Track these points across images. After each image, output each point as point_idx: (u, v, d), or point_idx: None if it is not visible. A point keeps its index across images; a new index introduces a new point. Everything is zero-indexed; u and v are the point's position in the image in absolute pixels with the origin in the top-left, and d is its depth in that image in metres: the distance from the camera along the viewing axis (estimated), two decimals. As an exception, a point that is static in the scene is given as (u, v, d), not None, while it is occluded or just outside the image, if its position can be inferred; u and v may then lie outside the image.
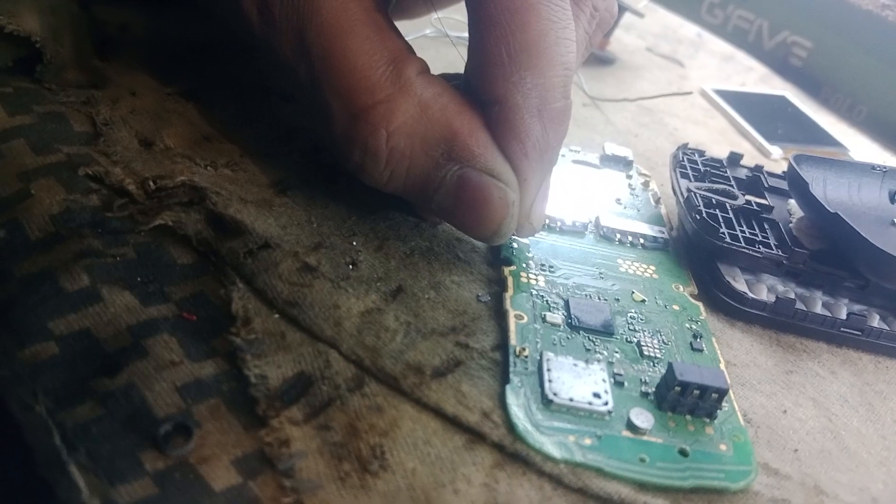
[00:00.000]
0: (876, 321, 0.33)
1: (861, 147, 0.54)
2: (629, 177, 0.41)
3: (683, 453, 0.25)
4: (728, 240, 0.33)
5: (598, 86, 0.54)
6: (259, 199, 0.31)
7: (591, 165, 0.41)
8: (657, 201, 0.39)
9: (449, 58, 0.52)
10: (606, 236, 0.35)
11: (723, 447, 0.25)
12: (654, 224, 0.37)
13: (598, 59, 0.57)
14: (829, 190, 0.37)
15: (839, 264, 0.33)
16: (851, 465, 0.27)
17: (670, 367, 0.26)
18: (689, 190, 0.36)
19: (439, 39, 0.54)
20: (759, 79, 0.61)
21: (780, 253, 0.33)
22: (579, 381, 0.26)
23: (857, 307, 0.34)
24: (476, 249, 0.33)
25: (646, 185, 0.40)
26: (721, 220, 0.34)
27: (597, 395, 0.26)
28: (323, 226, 0.32)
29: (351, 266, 0.30)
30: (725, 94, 0.57)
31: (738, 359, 0.31)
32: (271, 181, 0.33)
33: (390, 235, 0.32)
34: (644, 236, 0.35)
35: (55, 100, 0.34)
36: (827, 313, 0.33)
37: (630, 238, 0.35)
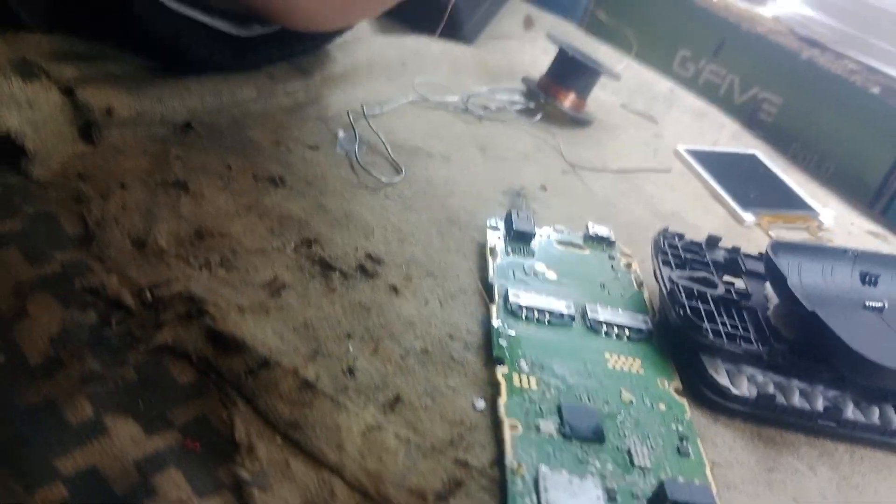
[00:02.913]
0: (850, 410, 0.35)
1: (830, 208, 0.56)
2: (611, 258, 0.42)
3: (676, 574, 0.26)
4: (711, 337, 0.34)
5: (576, 150, 0.55)
6: (255, 304, 0.32)
7: (576, 246, 0.42)
8: (640, 285, 0.40)
9: (429, 119, 0.52)
10: (593, 328, 0.36)
11: (713, 564, 0.27)
12: (637, 311, 0.38)
13: (575, 120, 0.58)
14: (804, 276, 0.39)
15: (815, 356, 0.35)
16: (832, 571, 0.29)
17: (662, 485, 0.27)
18: (671, 281, 0.37)
19: (419, 104, 0.54)
20: (730, 136, 0.63)
21: (760, 347, 0.35)
22: (574, 500, 0.27)
23: (832, 393, 0.35)
24: (468, 347, 0.34)
25: (628, 266, 0.42)
26: (703, 313, 0.35)
27: (593, 516, 0.26)
28: (319, 329, 0.32)
29: (348, 374, 0.30)
30: (699, 155, 0.58)
31: (722, 457, 0.32)
32: (265, 281, 0.34)
33: (384, 335, 0.33)
34: (629, 328, 0.36)
35: (44, 196, 0.34)
36: (805, 405, 0.34)
37: (616, 330, 0.36)
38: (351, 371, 0.31)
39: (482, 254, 0.40)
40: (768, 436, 0.34)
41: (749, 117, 0.66)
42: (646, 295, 0.40)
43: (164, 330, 0.29)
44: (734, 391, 0.34)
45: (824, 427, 0.34)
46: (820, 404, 0.35)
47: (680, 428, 0.32)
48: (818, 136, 0.62)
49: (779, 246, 0.39)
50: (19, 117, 0.35)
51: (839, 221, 0.55)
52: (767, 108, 0.65)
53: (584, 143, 0.57)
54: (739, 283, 0.40)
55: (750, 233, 0.51)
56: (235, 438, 0.27)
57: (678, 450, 0.31)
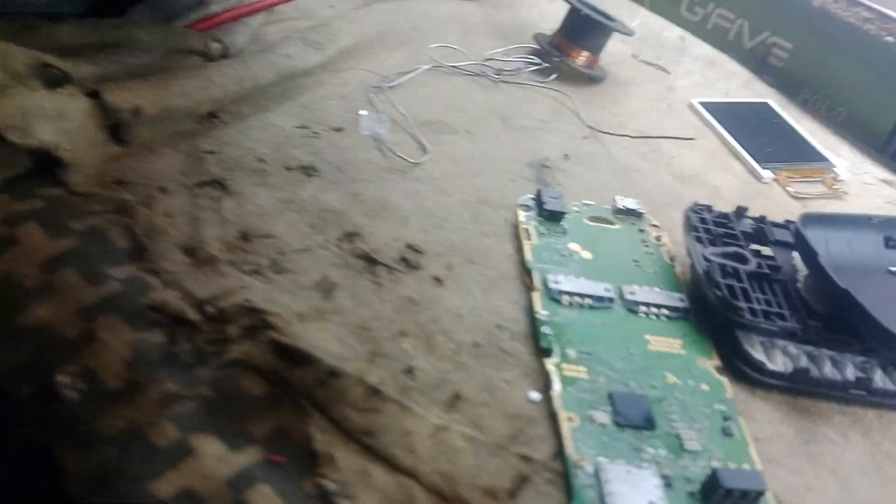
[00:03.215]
0: (878, 377, 0.37)
1: (843, 157, 0.56)
2: (641, 231, 0.43)
3: (732, 553, 0.28)
4: (749, 316, 0.35)
5: (592, 110, 0.55)
6: (311, 310, 0.33)
7: (606, 221, 0.43)
8: (672, 259, 0.41)
9: (447, 88, 0.52)
10: (632, 309, 0.37)
11: (764, 542, 0.29)
12: (672, 288, 0.39)
13: (590, 77, 0.58)
14: (832, 246, 0.40)
15: (846, 330, 0.36)
16: (870, 537, 0.31)
17: (715, 473, 0.29)
18: (706, 259, 0.38)
19: (436, 72, 0.54)
20: (742, 84, 0.63)
21: (795, 323, 0.36)
22: (635, 490, 0.29)
23: (860, 360, 0.37)
24: (515, 337, 0.35)
25: (658, 239, 0.43)
26: (738, 291, 0.37)
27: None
28: (374, 330, 0.33)
29: (408, 374, 0.32)
30: (713, 108, 0.58)
31: (762, 432, 0.34)
32: (316, 281, 0.35)
33: (435, 330, 0.34)
34: (667, 307, 0.38)
35: (90, 211, 0.34)
36: (837, 376, 0.36)
37: (654, 310, 0.37)
38: (410, 371, 0.32)
39: (516, 235, 0.41)
40: (803, 406, 0.36)
41: (759, 63, 0.65)
42: (678, 269, 0.41)
43: (232, 346, 0.30)
44: (770, 366, 0.36)
45: (855, 396, 0.36)
46: (850, 373, 0.36)
47: (723, 408, 0.34)
48: (829, 83, 0.62)
49: (808, 219, 0.40)
50: (52, 129, 0.35)
51: (853, 171, 0.55)
52: (777, 54, 0.64)
53: (599, 102, 0.56)
54: (767, 251, 0.41)
55: (770, 190, 0.52)
56: (315, 449, 0.28)
57: (723, 430, 0.33)
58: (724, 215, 0.42)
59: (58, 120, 0.35)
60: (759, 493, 0.29)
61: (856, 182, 0.55)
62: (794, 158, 0.55)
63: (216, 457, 0.27)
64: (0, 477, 0.28)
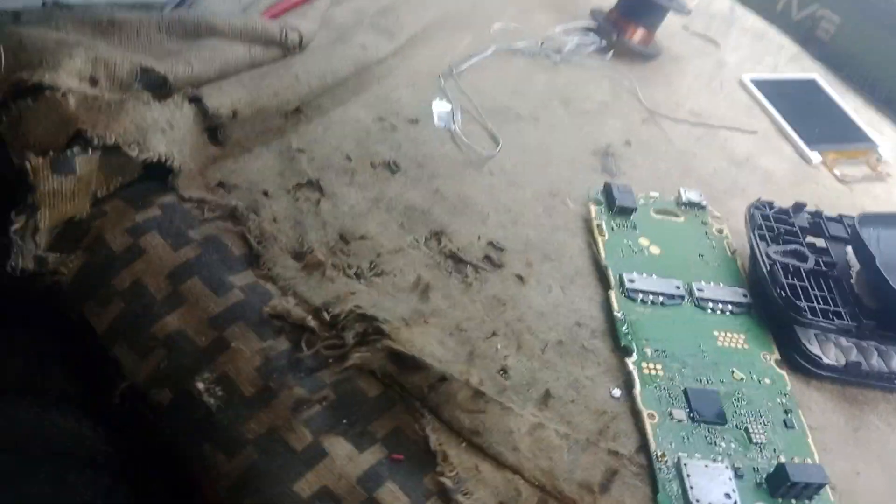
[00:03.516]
0: (920, 366, 0.40)
1: (886, 136, 0.58)
2: (704, 223, 0.45)
3: (797, 539, 0.32)
4: (809, 315, 0.38)
5: (649, 90, 0.56)
6: (414, 313, 0.36)
7: (672, 214, 0.45)
8: (733, 252, 0.44)
9: (510, 71, 0.54)
10: (700, 306, 0.40)
11: (823, 527, 0.33)
12: (735, 283, 0.42)
13: (645, 55, 0.59)
14: (883, 246, 0.43)
15: (892, 327, 0.39)
16: (913, 520, 0.35)
17: (782, 467, 0.33)
18: (769, 258, 0.41)
19: (499, 54, 0.55)
20: (789, 58, 0.64)
21: (850, 322, 0.39)
22: (712, 483, 0.32)
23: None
24: (595, 335, 0.38)
25: (720, 231, 0.45)
26: (799, 290, 0.39)
27: (727, 496, 0.32)
28: (469, 331, 0.36)
29: (503, 374, 0.35)
30: (762, 85, 0.60)
31: (817, 421, 0.37)
32: (412, 283, 0.38)
33: (522, 329, 0.37)
34: (731, 303, 0.41)
35: (203, 218, 0.37)
36: (883, 367, 0.39)
37: (720, 306, 0.41)
38: (504, 371, 0.35)
39: (588, 229, 0.44)
40: (851, 395, 0.39)
41: (806, 35, 0.66)
42: (739, 263, 0.43)
43: (351, 353, 0.33)
44: (825, 360, 0.39)
45: (898, 386, 0.40)
46: (893, 367, 0.40)
47: (784, 401, 0.37)
48: (874, 59, 0.63)
49: (864, 219, 0.42)
50: (165, 140, 0.37)
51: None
52: (825, 27, 0.65)
53: (655, 81, 0.58)
54: (821, 242, 0.44)
55: (817, 174, 0.54)
56: (431, 448, 0.31)
57: (785, 423, 0.36)
58: (784, 211, 0.44)
59: (169, 131, 0.37)
60: (821, 486, 0.33)
61: (898, 161, 0.57)
62: (840, 139, 0.57)
63: (346, 457, 0.31)
64: (144, 478, 0.32)
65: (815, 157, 0.55)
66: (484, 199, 0.43)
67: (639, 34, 0.59)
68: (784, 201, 0.47)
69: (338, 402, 0.32)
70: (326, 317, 0.34)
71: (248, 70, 0.45)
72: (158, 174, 0.38)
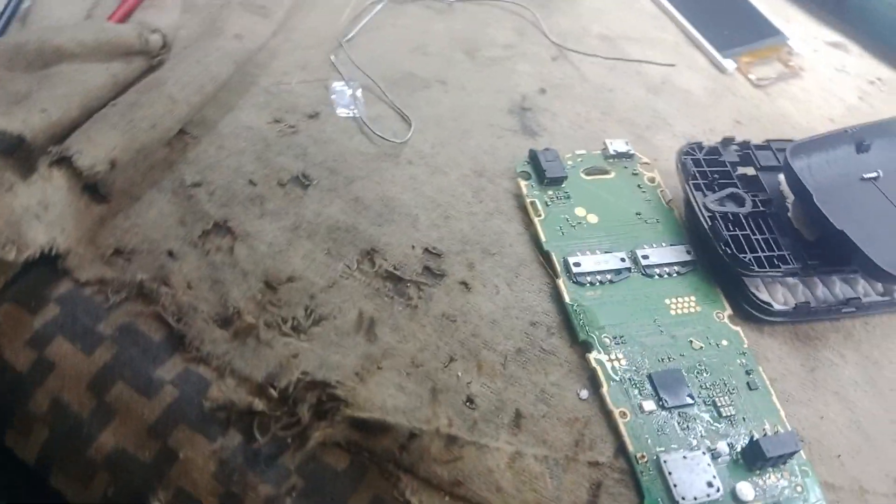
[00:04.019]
0: (861, 289, 0.41)
1: (794, 23, 0.57)
2: (634, 174, 0.44)
3: (778, 509, 0.33)
4: (756, 267, 0.38)
5: (553, 19, 0.53)
6: (364, 361, 0.33)
7: (602, 171, 0.43)
8: (669, 202, 0.43)
9: (405, 24, 0.49)
10: (648, 274, 0.39)
11: (798, 489, 0.34)
12: (678, 240, 0.41)
13: (542, -25, 0.55)
14: (815, 174, 0.42)
15: (837, 260, 0.39)
16: (875, 452, 0.36)
17: (757, 444, 0.33)
18: (707, 210, 0.40)
19: (387, 6, 0.50)
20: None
21: (795, 265, 0.39)
22: (693, 475, 0.33)
23: (843, 276, 0.41)
24: (551, 331, 0.37)
25: (652, 181, 0.44)
26: (742, 241, 0.39)
27: (710, 485, 0.33)
28: (426, 363, 0.34)
29: (470, 405, 0.34)
30: (667, -12, 0.57)
31: (776, 371, 0.38)
32: (355, 322, 0.35)
33: (479, 346, 0.36)
34: (677, 263, 0.40)
35: (109, 305, 0.33)
36: (830, 297, 0.40)
37: (666, 269, 0.40)
38: (471, 400, 0.34)
39: (521, 206, 0.41)
40: (803, 333, 0.40)
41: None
42: (676, 213, 0.42)
43: (310, 432, 0.31)
44: (776, 306, 0.39)
45: (845, 313, 0.40)
46: (840, 292, 0.40)
47: (743, 360, 0.37)
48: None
49: (794, 151, 0.41)
50: (42, 227, 0.32)
51: (804, 39, 0.56)
52: None
53: (559, 7, 0.54)
54: (750, 171, 0.43)
55: (734, 83, 0.53)
56: (414, 513, 0.30)
57: (748, 385, 0.36)
58: (713, 149, 0.43)
59: (44, 213, 0.32)
60: (795, 453, 0.33)
61: (807, 51, 0.56)
62: (751, 38, 0.55)
63: (332, 546, 0.29)
64: None
65: (729, 64, 0.53)
66: (409, 197, 0.40)
67: (532, -47, 0.54)
68: (706, 122, 0.46)
69: (307, 487, 0.30)
70: (274, 393, 0.31)
71: (112, 96, 0.39)
72: (44, 257, 0.33)
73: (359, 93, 0.44)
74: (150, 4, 0.44)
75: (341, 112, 0.43)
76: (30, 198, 0.32)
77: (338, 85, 0.44)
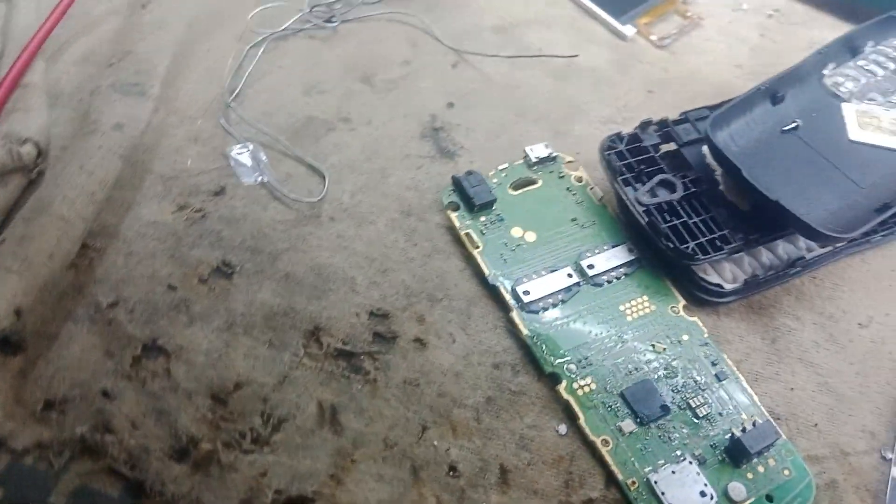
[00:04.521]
0: (802, 243, 0.41)
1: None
2: (561, 176, 0.43)
3: (770, 498, 0.33)
4: (701, 256, 0.38)
5: (444, 22, 0.50)
6: (336, 457, 0.32)
7: (529, 182, 0.42)
8: (600, 199, 0.42)
9: (293, 63, 0.46)
10: (596, 283, 0.39)
11: (786, 472, 0.34)
12: (616, 239, 0.40)
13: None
14: (737, 139, 0.42)
15: (776, 226, 0.39)
16: (848, 409, 0.37)
17: (739, 442, 0.33)
18: (640, 204, 0.39)
19: (266, 44, 0.47)
20: None
21: (737, 242, 0.39)
22: (685, 488, 0.33)
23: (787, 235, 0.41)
24: (516, 370, 0.36)
25: (579, 180, 0.43)
26: (682, 231, 0.38)
27: (703, 494, 0.33)
28: (399, 440, 0.33)
29: (453, 473, 0.33)
30: (549, -42, 0.55)
31: (739, 352, 0.38)
32: (315, 415, 0.34)
33: (447, 405, 0.35)
34: (622, 265, 0.39)
35: (54, 471, 0.31)
36: (774, 260, 0.40)
37: (613, 274, 0.39)
38: (454, 469, 0.33)
39: (458, 240, 0.40)
40: (757, 304, 0.40)
41: None
42: (609, 209, 0.42)
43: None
44: (727, 286, 0.39)
45: (793, 274, 0.41)
46: (783, 253, 0.41)
47: (707, 350, 0.37)
48: None
49: (713, 124, 0.40)
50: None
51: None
52: None
53: (445, 6, 0.52)
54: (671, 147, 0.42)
55: (637, 48, 0.51)
56: None
57: (717, 377, 0.36)
58: (633, 136, 0.42)
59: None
60: (776, 440, 0.34)
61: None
62: (645, -3, 0.54)
63: None
64: None
65: (628, 30, 0.52)
66: (340, 259, 0.38)
67: (405, -47, 0.51)
68: (619, 99, 0.45)
69: None
70: (254, 521, 0.30)
71: (-3, 230, 0.36)
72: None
73: (261, 154, 0.41)
74: (13, 109, 0.40)
75: (247, 181, 0.40)
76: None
77: (236, 150, 0.41)
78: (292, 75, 0.46)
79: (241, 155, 0.41)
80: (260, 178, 0.40)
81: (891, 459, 0.36)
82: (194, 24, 0.46)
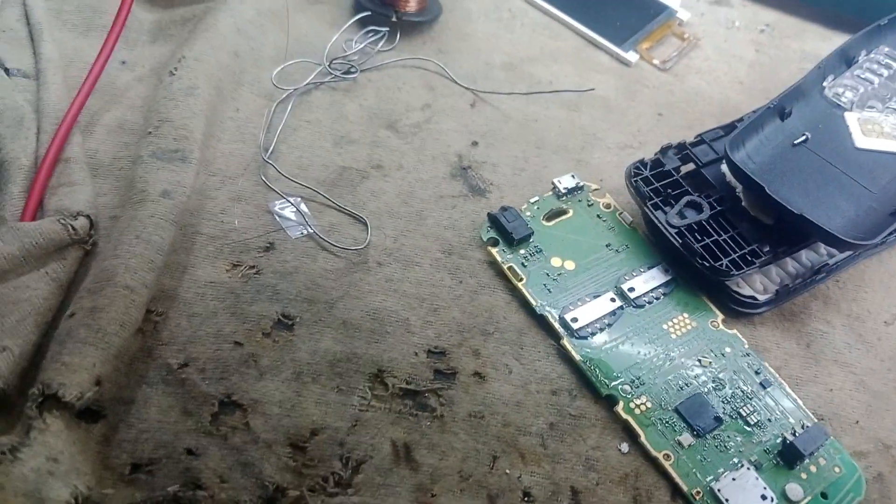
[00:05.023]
0: (823, 250, 0.43)
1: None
2: (590, 205, 0.45)
3: (825, 496, 0.35)
4: (734, 271, 0.40)
5: (457, 63, 0.52)
6: (416, 494, 0.34)
7: (561, 213, 0.44)
8: (630, 223, 0.44)
9: (318, 116, 0.48)
10: (639, 305, 0.41)
11: (836, 470, 0.36)
12: (650, 260, 0.42)
13: (429, 19, 0.54)
14: (754, 157, 0.44)
15: (799, 237, 0.42)
16: (885, 405, 0.39)
17: (793, 446, 0.35)
18: (672, 227, 0.41)
19: (294, 106, 0.48)
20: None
21: (766, 256, 0.41)
22: (746, 493, 0.35)
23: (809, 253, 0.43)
24: (573, 395, 0.38)
25: (608, 207, 0.45)
26: (714, 249, 0.40)
27: (763, 497, 0.35)
28: (473, 471, 0.35)
29: (528, 499, 0.34)
30: (548, -6, 0.57)
31: (777, 359, 0.40)
32: (391, 456, 0.35)
33: (514, 433, 0.36)
34: (661, 286, 0.41)
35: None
36: (800, 268, 0.43)
37: (653, 294, 0.41)
38: (528, 494, 0.34)
39: (500, 274, 0.42)
40: (789, 312, 0.42)
41: None
42: (640, 232, 0.44)
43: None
44: (760, 298, 0.41)
45: (818, 279, 0.43)
46: (807, 261, 0.43)
47: (749, 361, 0.39)
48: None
49: (731, 146, 0.43)
50: (60, 482, 0.30)
51: (687, 6, 0.58)
52: None
53: (456, 48, 0.54)
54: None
55: (641, 73, 0.54)
56: None
57: (762, 385, 0.39)
58: (657, 162, 0.44)
59: (56, 466, 0.30)
60: (825, 440, 0.36)
61: (696, 19, 0.58)
62: (642, 22, 0.56)
63: None
64: None
65: (632, 56, 0.54)
66: (393, 302, 0.40)
67: (412, 2, 0.53)
68: (632, 125, 0.47)
69: None
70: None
71: (59, 301, 0.37)
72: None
73: (303, 207, 0.43)
74: (58, 184, 0.41)
75: (294, 234, 0.42)
76: (37, 458, 0.30)
77: (279, 206, 0.43)
78: (321, 128, 0.47)
79: (285, 210, 0.43)
80: (305, 231, 0.42)
81: (930, 448, 0.38)
82: (221, 87, 0.47)
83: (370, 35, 0.52)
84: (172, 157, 0.42)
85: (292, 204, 0.43)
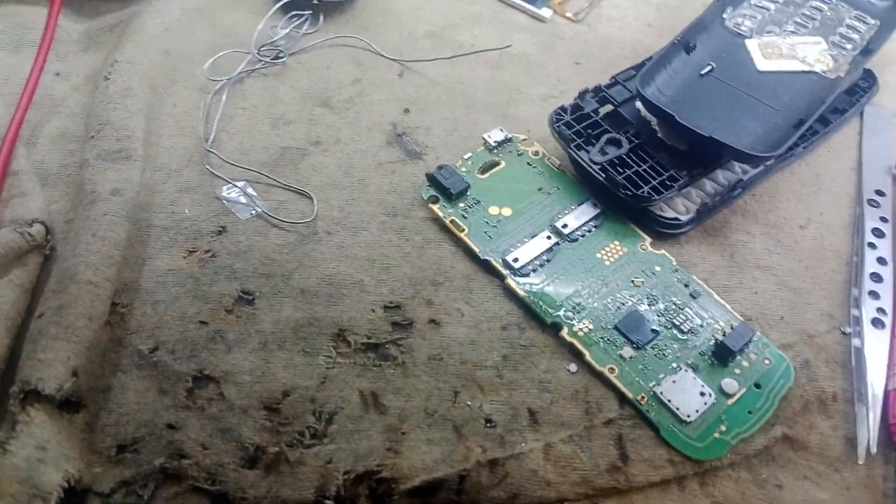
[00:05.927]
0: (737, 168, 0.47)
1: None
2: (520, 154, 0.48)
3: (758, 386, 0.39)
4: (656, 197, 0.43)
5: (382, 36, 0.55)
6: (387, 432, 0.36)
7: (493, 165, 0.47)
8: (558, 167, 0.47)
9: (255, 101, 0.50)
10: (572, 239, 0.44)
11: (766, 362, 0.40)
12: (579, 197, 0.45)
13: (343, 3, 0.56)
14: (665, 91, 0.47)
15: (713, 158, 0.45)
16: (806, 299, 0.43)
17: (722, 344, 0.39)
18: (595, 164, 0.44)
19: (231, 92, 0.50)
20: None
21: (683, 179, 0.44)
22: (686, 392, 0.38)
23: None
24: (521, 328, 0.41)
25: (536, 154, 0.48)
26: (636, 179, 0.44)
27: (702, 394, 0.38)
28: (436, 407, 0.38)
29: (490, 424, 0.37)
30: (460, -39, 0.59)
31: (705, 272, 0.44)
32: (360, 404, 0.38)
33: (472, 370, 0.39)
34: (591, 219, 0.44)
35: (142, 502, 0.34)
36: (717, 186, 0.46)
37: (585, 228, 0.44)
38: (489, 420, 0.37)
39: (445, 228, 0.44)
40: (711, 228, 0.46)
41: None
42: (568, 174, 0.47)
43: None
44: (683, 218, 0.45)
45: (735, 195, 0.46)
46: (723, 179, 0.46)
47: (678, 276, 0.43)
48: None
49: (642, 82, 0.46)
50: (51, 467, 0.32)
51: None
52: None
53: (379, 23, 0.56)
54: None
55: (557, 28, 0.57)
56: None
57: (692, 295, 0.42)
58: (576, 106, 0.47)
59: (45, 453, 0.32)
60: (752, 336, 0.39)
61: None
62: (553, -23, 0.59)
63: None
64: None
65: (546, 12, 0.57)
66: (345, 267, 0.43)
67: (332, -18, 0.55)
68: (552, 76, 0.50)
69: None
70: (329, 502, 0.34)
71: (26, 305, 0.39)
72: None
73: (249, 189, 0.45)
74: (10, 196, 0.43)
75: (244, 216, 0.44)
76: (26, 448, 0.32)
77: (226, 191, 0.45)
78: (257, 113, 0.49)
79: (232, 194, 0.45)
80: (254, 212, 0.44)
81: (849, 333, 0.42)
82: (156, 86, 0.49)
83: (294, 20, 0.54)
84: (117, 156, 0.44)
85: (239, 188, 0.45)
